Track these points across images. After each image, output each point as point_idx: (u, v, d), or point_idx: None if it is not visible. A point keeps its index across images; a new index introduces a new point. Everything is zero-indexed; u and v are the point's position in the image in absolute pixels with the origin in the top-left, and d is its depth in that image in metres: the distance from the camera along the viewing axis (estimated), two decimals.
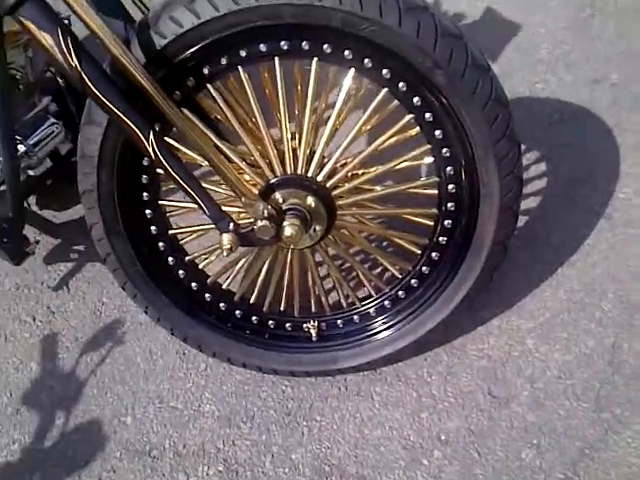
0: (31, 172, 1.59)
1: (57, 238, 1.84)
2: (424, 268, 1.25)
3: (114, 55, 0.99)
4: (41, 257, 1.79)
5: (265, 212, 1.11)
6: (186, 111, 1.10)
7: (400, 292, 1.28)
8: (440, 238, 1.22)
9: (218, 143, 1.15)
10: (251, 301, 1.34)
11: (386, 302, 1.30)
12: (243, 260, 1.31)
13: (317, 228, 1.18)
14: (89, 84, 0.99)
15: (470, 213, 1.17)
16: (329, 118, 1.13)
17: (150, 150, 1.03)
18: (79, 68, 0.97)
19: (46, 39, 0.96)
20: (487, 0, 2.21)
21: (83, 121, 1.13)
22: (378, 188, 1.25)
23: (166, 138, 1.09)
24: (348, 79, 1.08)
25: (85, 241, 1.81)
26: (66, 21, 1.11)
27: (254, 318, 1.35)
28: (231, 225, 1.10)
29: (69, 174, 1.76)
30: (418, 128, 1.13)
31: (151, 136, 1.02)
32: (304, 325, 1.34)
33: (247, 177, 1.18)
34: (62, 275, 1.76)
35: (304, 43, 1.05)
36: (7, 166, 1.41)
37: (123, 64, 0.99)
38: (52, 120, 1.61)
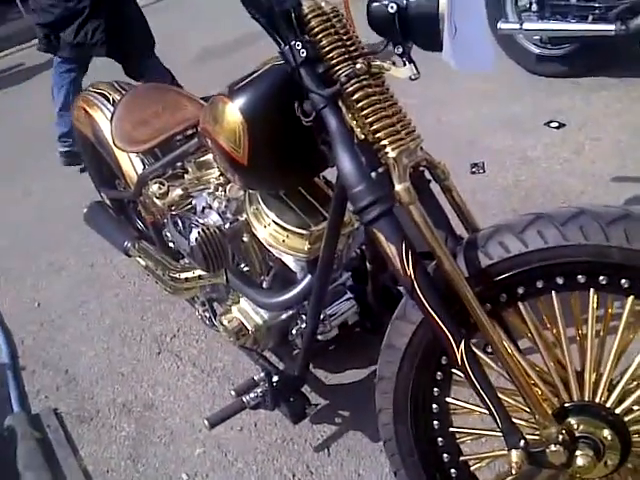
0: (321, 337, 1.77)
1: (325, 399, 1.98)
2: None
3: (442, 263, 1.11)
4: (308, 414, 1.92)
5: (559, 437, 1.11)
6: (494, 322, 1.17)
7: None
8: None
9: (518, 356, 1.19)
10: None
11: None
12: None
13: (609, 462, 1.14)
14: (417, 289, 1.11)
15: None
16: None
17: (458, 356, 1.11)
18: (412, 277, 1.10)
19: (391, 249, 1.11)
20: None
21: (397, 315, 1.25)
22: None
23: (472, 346, 1.15)
24: None
25: (350, 407, 1.92)
26: None
27: None
28: (522, 442, 1.12)
29: (350, 342, 1.95)
30: None
31: (462, 344, 1.10)
32: None
33: (541, 394, 1.20)
34: (325, 437, 1.86)
35: (623, 281, 1.08)
36: (309, 330, 1.60)
37: (448, 273, 1.11)
38: (349, 295, 1.80)
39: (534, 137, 3.00)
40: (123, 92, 2.25)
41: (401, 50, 1.14)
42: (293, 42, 1.14)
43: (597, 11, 3.02)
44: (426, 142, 1.20)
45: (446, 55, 1.11)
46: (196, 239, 1.59)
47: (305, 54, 1.14)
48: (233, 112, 1.31)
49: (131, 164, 2.12)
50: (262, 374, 1.64)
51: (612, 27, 2.90)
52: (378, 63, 1.16)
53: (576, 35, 3.09)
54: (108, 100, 2.23)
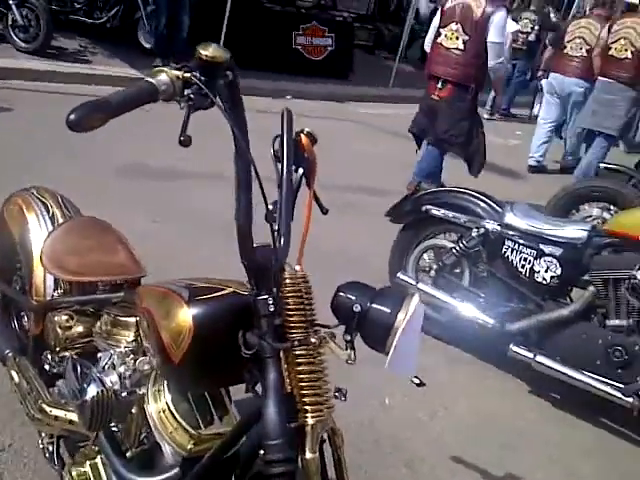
0: None
1: None
2: None
3: None
4: None
5: None
6: None
7: None
8: None
9: None
10: None
11: None
12: None
13: None
14: None
15: None
16: None
17: None
18: None
19: None
20: None
21: None
22: None
23: None
24: None
25: None
26: None
27: None
28: None
29: None
30: None
31: None
32: None
33: None
34: None
35: None
36: None
37: None
38: None
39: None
40: (64, 209, 2.27)
41: (349, 338, 1.35)
42: (267, 297, 1.32)
43: None
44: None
45: (389, 362, 1.33)
46: (92, 398, 1.61)
47: (272, 309, 1.33)
48: (186, 317, 1.44)
49: (43, 278, 2.12)
50: None
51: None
52: (326, 338, 1.36)
53: None
54: (48, 211, 2.22)
